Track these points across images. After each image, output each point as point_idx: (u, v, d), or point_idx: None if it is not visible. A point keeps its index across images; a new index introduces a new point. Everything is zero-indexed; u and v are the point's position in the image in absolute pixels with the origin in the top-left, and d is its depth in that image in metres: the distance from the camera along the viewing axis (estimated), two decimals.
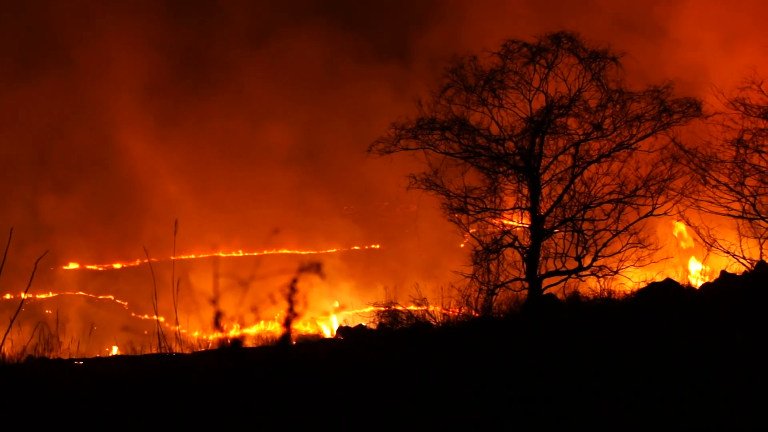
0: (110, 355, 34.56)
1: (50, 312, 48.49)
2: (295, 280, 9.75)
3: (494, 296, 26.36)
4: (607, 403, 12.36)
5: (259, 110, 55.93)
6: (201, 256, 45.89)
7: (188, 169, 53.77)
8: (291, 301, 9.83)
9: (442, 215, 27.45)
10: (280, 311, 9.93)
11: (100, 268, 52.53)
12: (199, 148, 54.89)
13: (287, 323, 9.90)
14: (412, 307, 26.26)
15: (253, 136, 55.82)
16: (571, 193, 26.62)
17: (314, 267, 9.82)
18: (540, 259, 26.49)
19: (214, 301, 9.73)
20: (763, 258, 24.68)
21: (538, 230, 26.50)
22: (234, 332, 9.85)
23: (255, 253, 46.39)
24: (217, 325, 9.71)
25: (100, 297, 50.70)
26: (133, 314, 49.03)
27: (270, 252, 43.78)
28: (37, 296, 49.66)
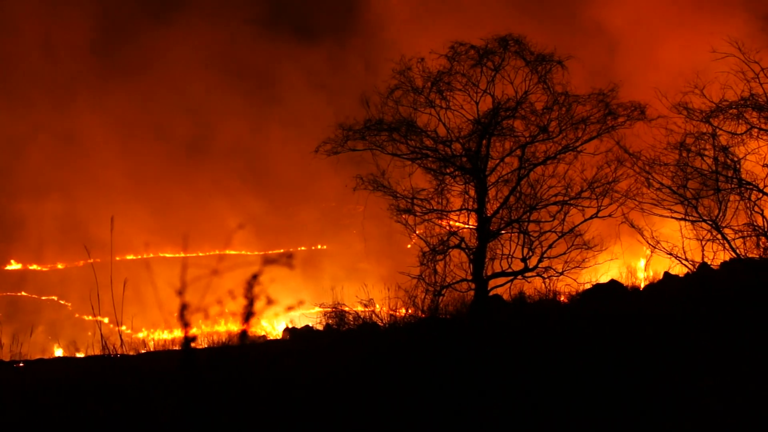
0: (53, 356, 34.11)
1: None
2: (255, 276, 9.24)
3: (441, 297, 26.44)
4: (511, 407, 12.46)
5: (185, 101, 54.47)
6: (148, 256, 45.30)
7: (121, 163, 52.49)
8: (250, 298, 9.32)
9: (389, 216, 27.49)
10: (233, 309, 9.47)
11: (44, 269, 51.65)
12: (132, 138, 53.51)
13: (246, 320, 9.39)
14: (359, 308, 26.27)
15: (187, 132, 54.53)
16: (517, 194, 26.82)
17: (284, 258, 9.36)
18: (486, 260, 26.64)
19: (180, 293, 9.23)
20: (705, 260, 25.01)
21: (485, 231, 26.64)
22: (186, 332, 9.44)
23: (200, 254, 45.91)
24: (182, 318, 9.23)
25: (43, 298, 49.86)
26: (77, 315, 48.26)
27: (216, 252, 43.33)
28: None
